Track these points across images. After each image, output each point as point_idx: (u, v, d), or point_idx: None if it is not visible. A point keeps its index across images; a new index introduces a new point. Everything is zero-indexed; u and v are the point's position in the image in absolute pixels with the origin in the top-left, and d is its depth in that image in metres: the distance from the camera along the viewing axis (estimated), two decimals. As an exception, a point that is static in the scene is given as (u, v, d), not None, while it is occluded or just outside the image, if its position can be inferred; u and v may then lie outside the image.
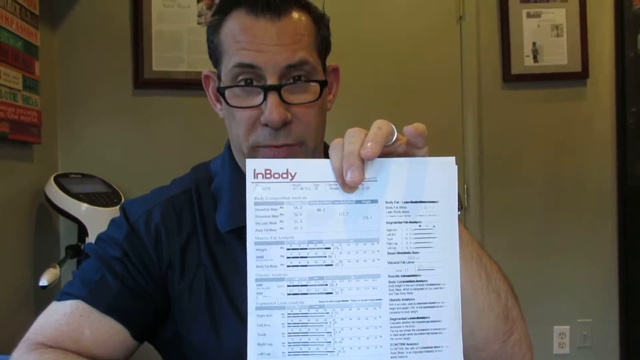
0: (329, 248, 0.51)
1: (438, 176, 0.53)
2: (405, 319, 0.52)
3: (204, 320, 0.75)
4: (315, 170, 0.52)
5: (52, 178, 1.93)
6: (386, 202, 0.52)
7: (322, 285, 0.51)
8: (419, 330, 0.52)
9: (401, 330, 0.51)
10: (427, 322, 0.52)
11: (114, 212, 1.94)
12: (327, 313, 0.51)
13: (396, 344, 0.51)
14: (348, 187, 0.52)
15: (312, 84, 0.74)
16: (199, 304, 0.75)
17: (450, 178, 0.53)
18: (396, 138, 0.55)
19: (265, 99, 0.72)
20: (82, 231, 1.88)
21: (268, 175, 0.52)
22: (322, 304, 0.51)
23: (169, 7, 2.18)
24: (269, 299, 0.51)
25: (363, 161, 0.52)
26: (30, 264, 1.93)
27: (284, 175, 0.52)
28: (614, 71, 2.37)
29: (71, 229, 2.02)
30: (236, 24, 0.74)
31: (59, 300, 0.72)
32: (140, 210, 0.78)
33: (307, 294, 0.51)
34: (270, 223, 0.51)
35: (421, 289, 0.52)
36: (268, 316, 0.51)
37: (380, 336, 0.51)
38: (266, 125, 0.72)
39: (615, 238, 2.38)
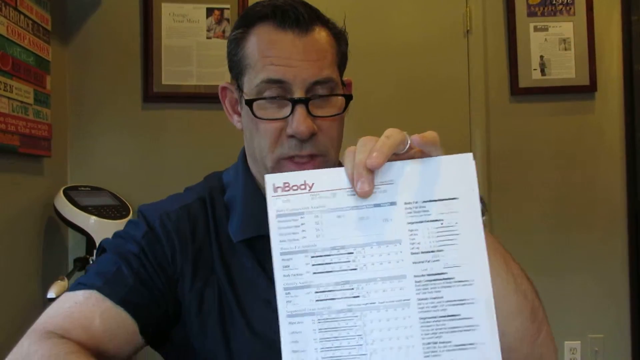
0: (352, 253, 0.52)
1: (456, 173, 0.53)
2: (435, 317, 0.51)
3: (214, 329, 0.75)
4: (331, 180, 0.53)
5: (61, 191, 1.94)
6: (405, 203, 0.53)
7: (349, 289, 0.52)
8: (450, 328, 0.51)
9: (432, 329, 0.51)
10: (458, 319, 0.51)
11: (122, 224, 1.93)
12: (355, 317, 0.51)
13: (428, 343, 0.51)
14: (362, 194, 0.53)
15: (338, 97, 0.77)
16: (211, 312, 0.75)
17: (469, 174, 0.53)
18: (409, 147, 0.55)
19: (292, 111, 0.74)
20: (91, 244, 1.88)
21: (287, 188, 0.53)
22: (350, 307, 0.52)
23: (179, 22, 2.20)
24: (298, 307, 0.52)
25: (372, 174, 0.52)
26: (38, 276, 1.94)
27: (302, 187, 0.53)
28: (622, 84, 2.37)
29: (80, 242, 2.03)
30: (263, 37, 0.76)
31: (71, 290, 0.72)
32: (157, 214, 0.79)
33: (334, 299, 0.52)
34: (293, 233, 0.53)
35: (449, 286, 0.51)
36: (299, 323, 0.52)
37: (412, 336, 0.51)
38: (291, 137, 0.74)
39: (626, 252, 2.35)
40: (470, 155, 0.53)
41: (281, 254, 0.53)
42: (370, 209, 0.53)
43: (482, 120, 2.34)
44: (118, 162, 2.22)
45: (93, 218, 1.89)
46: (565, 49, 2.34)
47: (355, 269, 0.52)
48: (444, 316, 0.51)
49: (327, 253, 0.52)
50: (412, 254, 0.52)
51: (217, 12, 2.21)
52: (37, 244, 1.95)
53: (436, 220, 0.52)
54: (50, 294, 1.53)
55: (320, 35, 0.77)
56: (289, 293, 0.52)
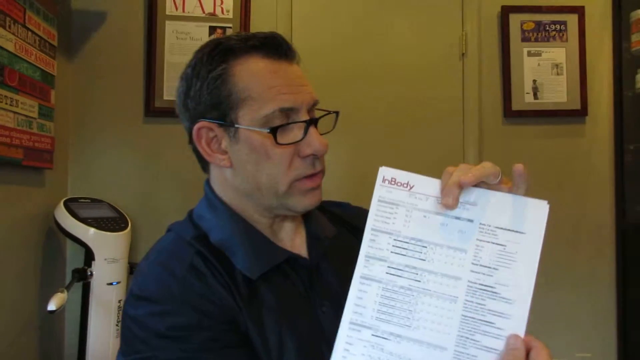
0: (426, 247, 0.63)
1: (530, 213, 0.63)
2: (474, 318, 0.60)
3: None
4: (428, 186, 0.65)
5: (61, 202, 1.98)
6: (480, 224, 0.63)
7: (414, 273, 0.62)
8: (483, 331, 0.60)
9: (469, 327, 0.60)
10: (492, 327, 0.60)
11: (120, 237, 1.98)
12: (412, 295, 0.62)
13: (461, 336, 0.60)
14: (445, 206, 0.62)
15: (330, 115, 0.86)
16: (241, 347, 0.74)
17: (541, 217, 0.63)
18: (500, 180, 0.63)
19: (306, 132, 0.79)
20: (89, 255, 1.92)
21: (393, 182, 0.65)
22: (410, 287, 0.62)
23: (182, 40, 2.26)
24: (371, 272, 0.63)
25: (459, 191, 0.62)
26: (37, 285, 1.97)
27: (405, 185, 0.65)
28: (612, 109, 2.43)
29: (78, 253, 2.06)
30: (259, 69, 0.78)
31: None
32: (178, 291, 0.73)
33: (400, 276, 0.63)
34: (386, 217, 0.64)
35: (493, 299, 0.61)
36: (368, 285, 0.63)
37: (451, 326, 0.61)
38: (308, 156, 0.79)
39: (614, 274, 2.40)
40: (546, 202, 0.63)
41: (372, 229, 0.64)
42: (451, 218, 0.63)
43: (476, 141, 2.39)
44: (118, 174, 2.26)
45: (92, 230, 1.92)
46: (558, 74, 2.40)
47: (424, 260, 0.63)
48: (482, 320, 0.60)
49: (407, 241, 0.63)
50: (473, 264, 0.62)
51: (219, 31, 2.26)
52: (36, 254, 1.98)
53: (501, 245, 0.62)
54: (51, 307, 1.55)
55: (298, 66, 0.84)
56: (368, 260, 0.63)
